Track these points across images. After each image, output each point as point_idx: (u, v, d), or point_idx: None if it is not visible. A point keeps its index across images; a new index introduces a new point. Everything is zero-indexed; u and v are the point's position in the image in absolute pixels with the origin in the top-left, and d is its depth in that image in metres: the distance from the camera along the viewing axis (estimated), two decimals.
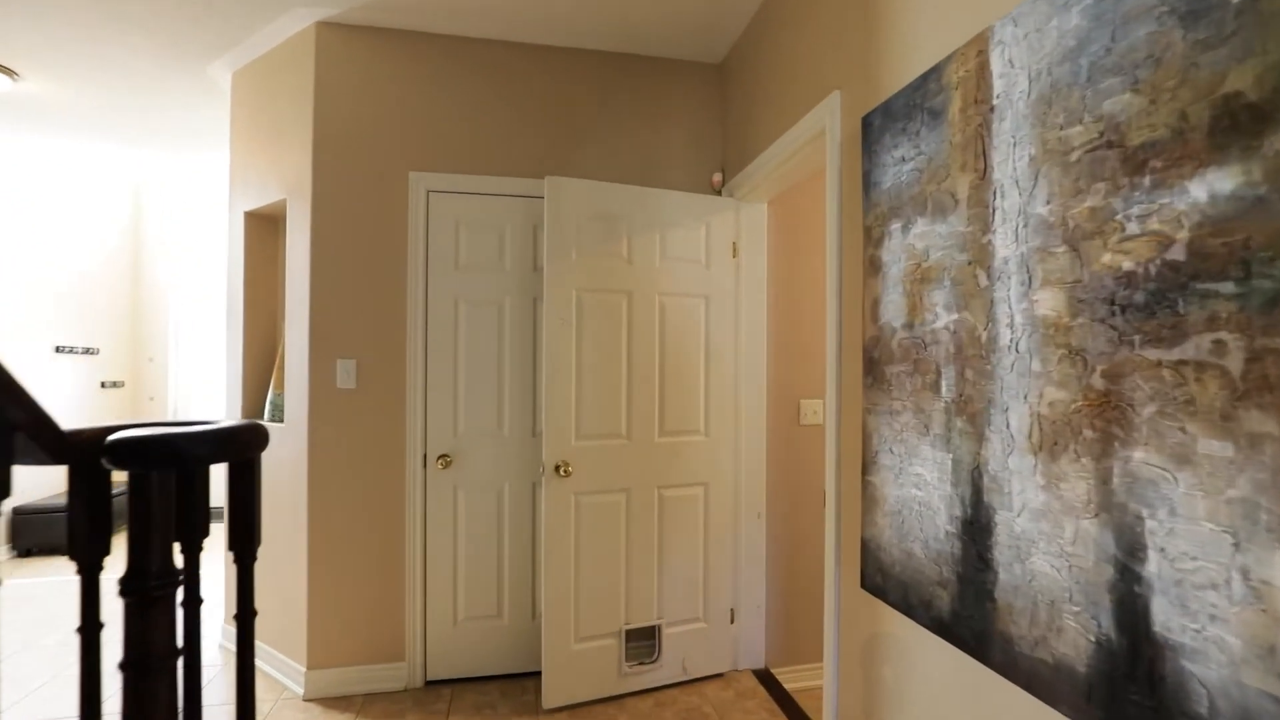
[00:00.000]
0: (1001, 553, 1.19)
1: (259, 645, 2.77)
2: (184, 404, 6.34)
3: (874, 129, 1.62)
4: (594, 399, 2.51)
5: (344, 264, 2.58)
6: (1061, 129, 1.07)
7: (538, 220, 2.73)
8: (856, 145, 1.73)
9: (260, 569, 2.76)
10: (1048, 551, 1.09)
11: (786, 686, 2.73)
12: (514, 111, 2.73)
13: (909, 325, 1.48)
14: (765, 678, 2.75)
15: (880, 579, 1.58)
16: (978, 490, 1.26)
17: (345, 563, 2.57)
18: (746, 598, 2.77)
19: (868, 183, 1.65)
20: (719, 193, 2.87)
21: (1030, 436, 1.13)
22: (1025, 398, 1.14)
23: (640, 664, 2.58)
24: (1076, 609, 1.03)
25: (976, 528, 1.26)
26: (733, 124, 2.82)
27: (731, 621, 2.76)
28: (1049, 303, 1.09)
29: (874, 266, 1.62)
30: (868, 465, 1.64)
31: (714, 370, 2.72)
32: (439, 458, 2.63)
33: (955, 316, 1.32)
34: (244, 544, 0.94)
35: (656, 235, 2.62)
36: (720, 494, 2.73)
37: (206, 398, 6.10)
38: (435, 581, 2.64)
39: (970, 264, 1.28)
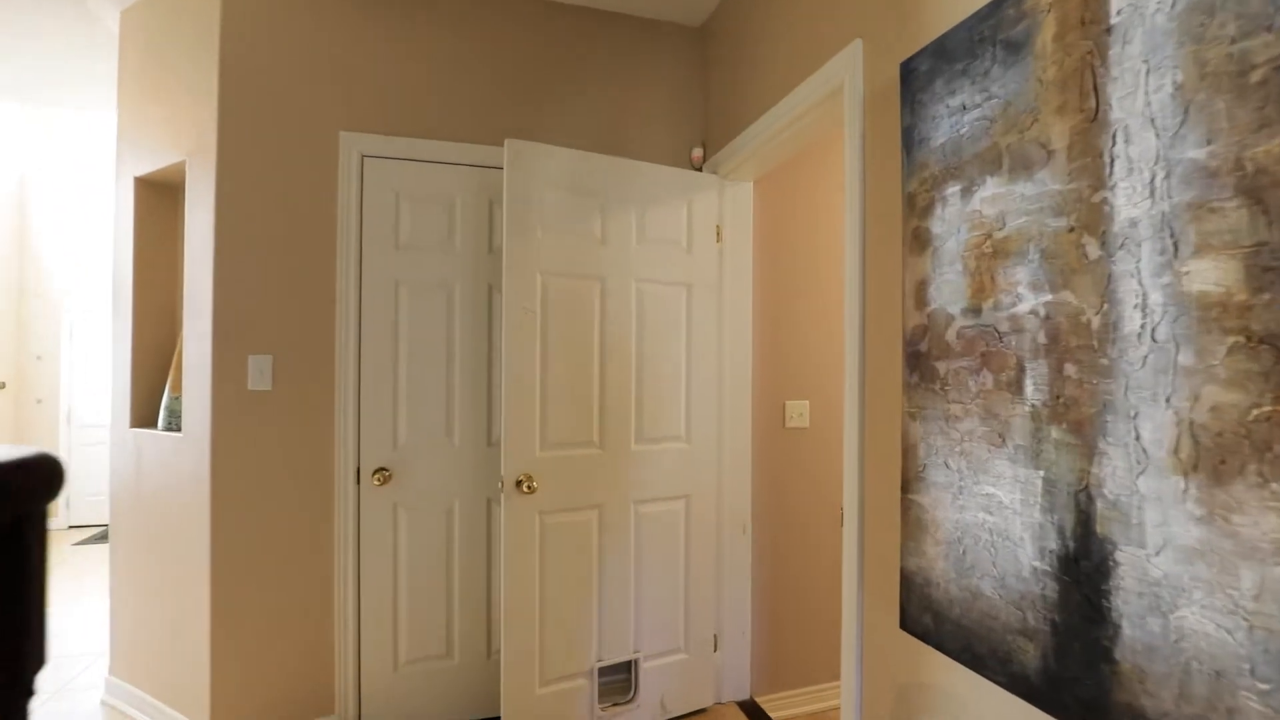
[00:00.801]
0: (1126, 601, 0.92)
1: (149, 700, 2.29)
2: (79, 408, 5.63)
3: (919, 76, 1.34)
4: (562, 402, 2.15)
5: (257, 240, 2.13)
6: (1233, 42, 0.80)
7: (494, 194, 2.35)
8: (891, 99, 1.45)
9: (149, 603, 2.28)
10: (1209, 605, 0.82)
11: (774, 716, 2.45)
12: (468, 67, 2.34)
13: (974, 310, 1.20)
14: (751, 710, 2.46)
15: (930, 621, 1.30)
16: (1085, 518, 0.99)
17: (259, 599, 2.12)
18: (730, 622, 2.47)
19: (910, 141, 1.37)
20: (699, 170, 2.56)
21: (1176, 451, 0.86)
22: (1167, 400, 0.87)
23: (614, 705, 2.25)
24: (1265, 687, 0.77)
25: (1084, 566, 0.99)
26: (716, 94, 2.51)
27: (714, 649, 2.46)
28: (1210, 275, 0.82)
29: (919, 241, 1.34)
30: (911, 482, 1.36)
31: (696, 368, 2.40)
32: (375, 472, 2.22)
33: (1048, 298, 1.05)
34: (8, 665, 0.44)
35: (633, 214, 2.28)
36: (702, 507, 2.42)
37: (107, 400, 5.41)
38: (372, 618, 2.22)
39: (1072, 230, 1.01)
